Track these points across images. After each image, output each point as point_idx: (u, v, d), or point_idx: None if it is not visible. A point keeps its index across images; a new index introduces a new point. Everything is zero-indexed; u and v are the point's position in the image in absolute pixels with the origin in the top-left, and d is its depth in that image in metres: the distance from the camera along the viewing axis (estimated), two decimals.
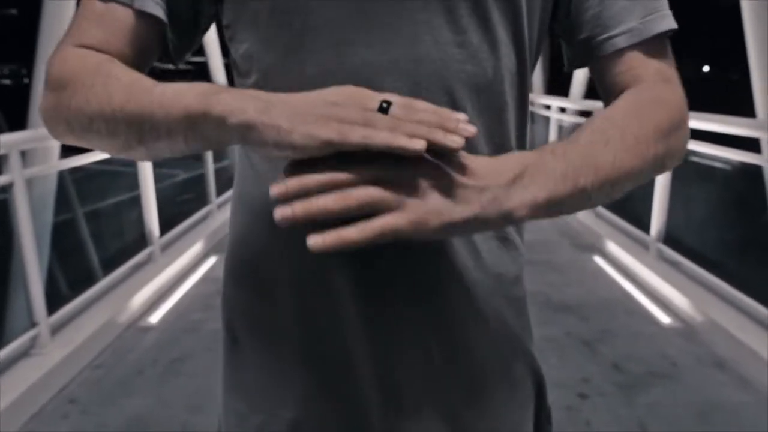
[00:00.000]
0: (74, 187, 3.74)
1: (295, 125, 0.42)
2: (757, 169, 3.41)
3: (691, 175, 3.70)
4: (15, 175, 2.31)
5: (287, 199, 0.42)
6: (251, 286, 0.62)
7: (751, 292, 2.75)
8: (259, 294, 0.62)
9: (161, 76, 0.52)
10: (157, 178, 3.74)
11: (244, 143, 0.46)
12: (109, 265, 3.30)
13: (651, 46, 0.57)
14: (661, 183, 3.53)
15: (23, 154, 2.44)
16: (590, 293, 3.39)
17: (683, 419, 2.13)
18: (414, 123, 0.43)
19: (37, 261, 2.43)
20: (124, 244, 3.97)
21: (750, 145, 3.18)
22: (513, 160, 0.48)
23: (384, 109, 0.44)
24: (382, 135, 0.41)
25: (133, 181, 3.62)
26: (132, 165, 3.57)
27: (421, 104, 0.45)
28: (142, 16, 0.55)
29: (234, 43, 0.58)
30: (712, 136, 3.05)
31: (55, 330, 2.54)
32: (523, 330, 0.66)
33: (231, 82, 0.62)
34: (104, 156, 3.12)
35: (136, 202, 3.63)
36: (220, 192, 4.89)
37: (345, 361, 0.59)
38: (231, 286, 0.65)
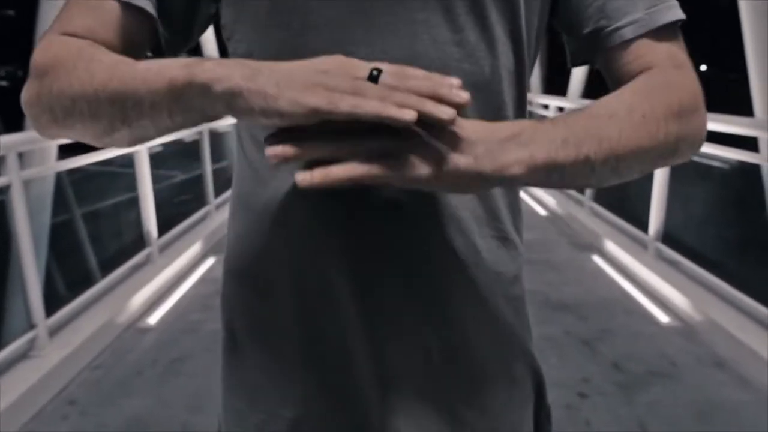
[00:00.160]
0: (72, 188, 3.73)
1: (282, 92, 0.41)
2: (754, 168, 3.41)
3: (689, 174, 3.70)
4: (12, 176, 2.31)
5: (285, 160, 0.42)
6: (251, 285, 0.62)
7: (750, 292, 2.75)
8: (258, 294, 0.61)
9: None
10: (155, 179, 3.74)
11: (230, 112, 0.45)
12: (107, 267, 3.30)
13: (660, 35, 0.56)
14: (660, 182, 3.53)
15: (21, 156, 2.43)
16: (589, 292, 3.39)
17: (683, 419, 2.14)
18: (405, 91, 0.42)
19: (34, 263, 2.42)
20: (122, 245, 3.96)
21: (747, 143, 3.19)
22: (509, 124, 0.48)
23: (374, 77, 0.43)
24: (371, 104, 0.40)
25: (131, 182, 3.61)
26: (130, 166, 3.57)
27: (413, 71, 0.44)
28: (130, 8, 0.54)
29: (232, 42, 0.58)
30: (711, 135, 3.05)
31: (54, 331, 2.53)
32: (523, 329, 0.66)
33: None
34: (102, 157, 3.13)
35: (134, 203, 3.62)
36: (218, 193, 4.88)
37: (345, 361, 0.59)
38: (230, 285, 0.64)
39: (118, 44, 0.54)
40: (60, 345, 2.47)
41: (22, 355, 2.35)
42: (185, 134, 4.59)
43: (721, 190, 3.83)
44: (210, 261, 3.93)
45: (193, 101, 0.45)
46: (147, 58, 0.56)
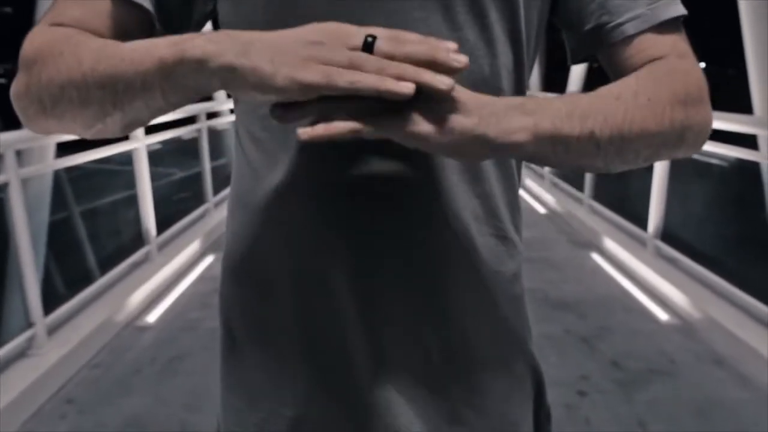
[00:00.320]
0: (71, 185, 3.72)
1: (278, 68, 0.41)
2: (752, 166, 3.41)
3: (688, 172, 3.70)
4: (10, 174, 2.30)
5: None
6: (250, 284, 0.61)
7: (749, 289, 2.75)
8: (257, 292, 0.61)
9: None
10: (154, 177, 3.73)
11: (224, 88, 0.44)
12: (106, 265, 3.29)
13: (662, 30, 0.56)
14: (659, 179, 3.53)
15: (19, 154, 2.43)
16: (588, 290, 3.39)
17: (682, 416, 2.14)
18: (402, 60, 0.41)
19: (33, 261, 2.42)
20: (120, 243, 3.96)
21: (745, 141, 3.18)
22: (512, 97, 0.48)
23: (369, 44, 0.42)
24: (369, 79, 0.40)
25: (129, 180, 3.61)
26: (129, 163, 3.56)
27: (408, 35, 0.43)
28: (125, 3, 0.53)
29: None
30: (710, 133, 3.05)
31: (52, 330, 2.53)
32: (522, 328, 0.66)
33: None
34: (101, 155, 3.12)
35: (133, 200, 3.62)
36: (216, 190, 4.88)
37: (344, 360, 0.59)
38: (229, 284, 0.64)
39: (111, 38, 0.53)
40: (58, 343, 2.46)
41: (21, 354, 2.34)
42: (183, 132, 4.59)
43: (719, 187, 3.84)
44: (209, 259, 3.93)
45: (186, 79, 0.44)
46: None
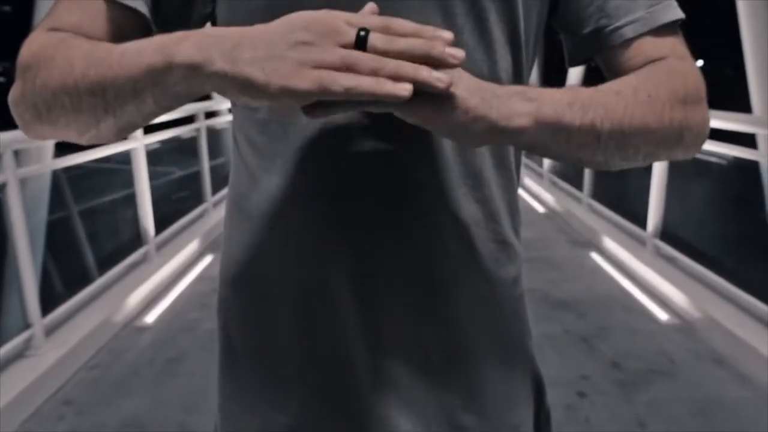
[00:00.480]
0: (69, 184, 3.71)
1: (270, 77, 0.40)
2: (750, 164, 3.40)
3: (687, 170, 3.70)
4: (8, 174, 2.29)
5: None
6: (248, 292, 0.61)
7: (749, 288, 2.75)
8: (256, 300, 0.60)
9: None
10: (152, 176, 3.72)
11: (216, 92, 0.44)
12: (104, 265, 3.28)
13: (661, 33, 0.56)
14: (658, 178, 3.53)
15: (17, 154, 2.42)
16: (588, 290, 3.39)
17: (683, 416, 2.13)
18: (397, 56, 0.41)
19: (31, 262, 2.41)
20: (119, 242, 3.95)
21: (743, 139, 3.18)
22: (516, 86, 0.48)
23: (362, 39, 0.41)
24: (364, 83, 0.39)
25: (128, 179, 3.60)
26: (127, 162, 3.55)
27: (402, 25, 0.42)
28: (122, 8, 0.53)
29: None
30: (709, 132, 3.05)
31: (50, 331, 2.52)
32: (522, 331, 0.65)
33: None
34: (99, 154, 3.11)
35: (132, 199, 3.61)
36: (215, 190, 4.87)
37: (343, 366, 0.58)
38: (227, 290, 0.63)
39: (107, 41, 0.52)
40: (56, 344, 2.46)
41: (18, 355, 2.34)
42: (182, 131, 4.58)
43: (718, 185, 3.83)
44: (207, 258, 3.92)
45: (176, 86, 0.44)
46: None
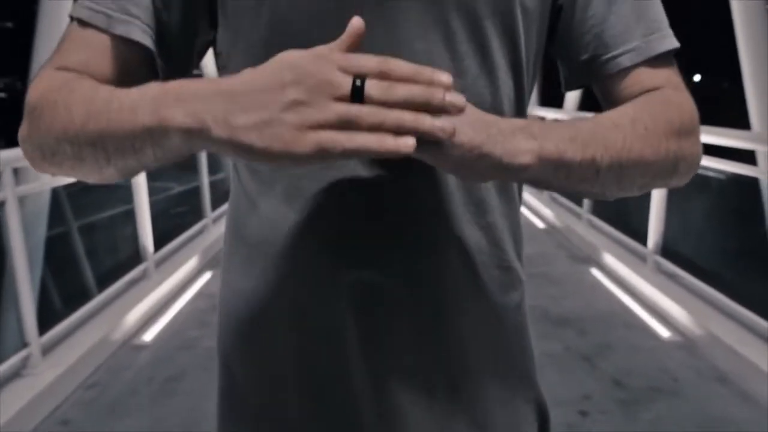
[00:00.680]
0: (69, 200, 3.71)
1: (270, 144, 0.39)
2: (750, 179, 3.41)
3: (687, 185, 3.68)
4: (7, 192, 2.29)
5: None
6: (248, 321, 0.60)
7: (750, 305, 2.74)
8: (257, 331, 0.60)
9: None
10: (151, 192, 3.72)
11: (215, 153, 0.44)
12: (103, 281, 3.27)
13: (656, 63, 0.57)
14: (658, 194, 3.52)
15: (16, 171, 2.41)
16: (588, 306, 3.37)
17: None
18: (397, 105, 0.40)
19: (29, 280, 2.39)
20: (118, 259, 3.93)
21: (743, 154, 3.19)
22: (518, 119, 0.48)
23: (358, 89, 0.39)
24: (366, 142, 0.39)
25: (127, 194, 3.59)
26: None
27: (398, 69, 0.41)
28: (127, 42, 0.53)
29: (226, 72, 0.56)
30: (708, 147, 3.05)
31: (47, 349, 2.50)
32: (526, 358, 0.65)
33: None
34: None
35: (131, 215, 3.60)
36: (215, 206, 4.86)
37: (347, 399, 0.57)
38: (227, 319, 0.62)
39: (114, 78, 0.53)
40: (53, 363, 2.43)
41: (15, 374, 2.31)
42: None
43: (718, 201, 3.83)
44: (207, 275, 3.90)
45: (175, 147, 0.44)
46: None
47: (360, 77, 0.40)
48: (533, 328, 0.66)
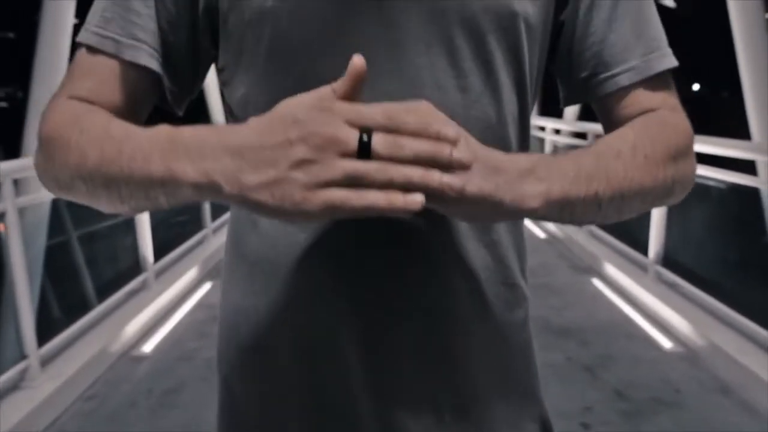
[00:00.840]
0: (68, 209, 3.71)
1: (281, 203, 0.40)
2: (750, 188, 3.40)
3: (687, 195, 3.68)
4: (7, 203, 2.28)
5: None
6: (249, 343, 0.59)
7: (753, 315, 2.73)
8: (258, 354, 0.59)
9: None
10: None
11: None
12: (102, 292, 3.26)
13: (654, 82, 0.57)
14: None
15: (16, 183, 2.41)
16: (590, 316, 3.36)
17: None
18: (405, 159, 0.40)
19: (28, 292, 2.38)
20: (118, 269, 3.93)
21: (742, 164, 3.19)
22: (526, 156, 0.48)
23: (365, 145, 0.40)
24: (376, 201, 0.39)
25: None
26: None
27: (405, 123, 0.41)
28: (135, 67, 0.54)
29: (229, 87, 0.56)
30: (708, 157, 3.06)
31: (46, 361, 2.48)
32: (530, 374, 0.64)
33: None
34: None
35: (131, 225, 3.60)
36: (215, 216, 4.86)
37: (352, 424, 0.56)
38: (227, 335, 0.62)
39: (124, 103, 0.54)
40: (52, 375, 2.42)
41: (14, 387, 2.30)
42: None
43: (719, 210, 3.83)
44: (207, 286, 3.89)
45: (185, 195, 0.45)
46: (151, 110, 0.58)
47: (366, 131, 0.40)
48: (534, 339, 0.66)
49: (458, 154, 0.41)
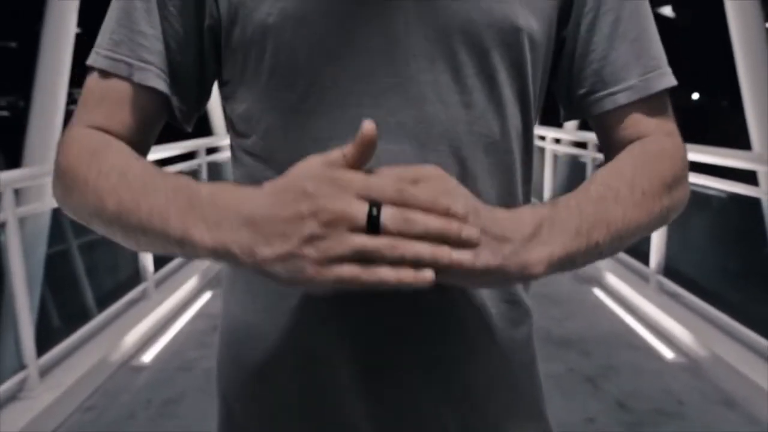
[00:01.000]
0: (69, 218, 3.70)
1: (293, 276, 0.41)
2: (750, 198, 3.40)
3: (688, 205, 3.68)
4: (8, 213, 2.28)
5: None
6: (249, 365, 0.59)
7: (754, 326, 2.71)
8: (258, 374, 0.58)
9: None
10: None
11: None
12: (102, 302, 3.24)
13: (652, 102, 0.57)
14: None
15: (17, 192, 2.41)
16: (591, 327, 3.35)
17: None
18: (415, 235, 0.40)
19: (27, 302, 2.38)
20: (118, 279, 3.92)
21: (742, 174, 3.19)
22: (529, 214, 0.48)
23: (374, 219, 0.40)
24: (386, 277, 0.40)
25: None
26: None
27: (415, 197, 0.41)
28: (145, 89, 0.54)
29: (232, 102, 0.56)
30: (707, 167, 3.06)
31: (45, 371, 2.47)
32: (535, 389, 0.64)
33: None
34: None
35: None
36: None
37: None
38: (227, 351, 0.61)
39: (136, 125, 0.55)
40: (51, 386, 2.41)
41: (12, 397, 2.28)
42: (183, 166, 4.59)
43: (720, 219, 3.82)
44: (206, 295, 3.88)
45: (200, 255, 0.46)
46: (161, 128, 0.59)
47: (376, 205, 0.41)
48: (537, 350, 0.65)
49: (467, 232, 0.42)
